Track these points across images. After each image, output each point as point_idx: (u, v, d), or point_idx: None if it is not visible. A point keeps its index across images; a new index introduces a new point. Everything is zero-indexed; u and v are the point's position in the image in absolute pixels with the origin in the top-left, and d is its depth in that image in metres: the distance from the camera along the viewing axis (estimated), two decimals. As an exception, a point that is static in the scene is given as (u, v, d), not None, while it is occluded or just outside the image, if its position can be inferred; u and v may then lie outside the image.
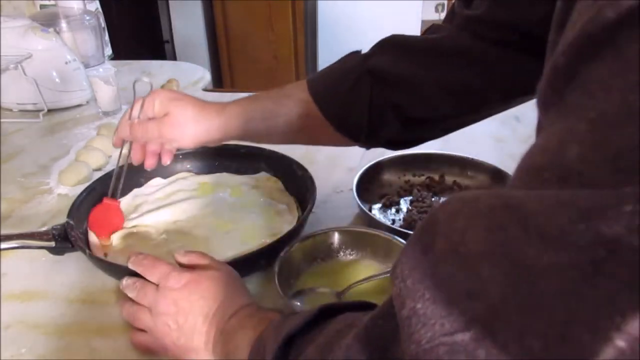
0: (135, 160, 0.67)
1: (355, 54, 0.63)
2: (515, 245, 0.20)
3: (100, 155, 0.90)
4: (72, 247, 0.63)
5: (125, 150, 0.67)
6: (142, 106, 0.63)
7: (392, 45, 0.60)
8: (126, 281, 0.54)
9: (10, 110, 1.13)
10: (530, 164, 0.22)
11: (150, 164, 0.67)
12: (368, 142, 0.64)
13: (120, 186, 0.68)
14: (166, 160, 0.68)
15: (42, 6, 1.35)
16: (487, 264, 0.21)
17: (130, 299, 0.54)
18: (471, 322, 0.21)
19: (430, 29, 0.61)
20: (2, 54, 1.05)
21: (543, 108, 0.24)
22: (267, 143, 0.73)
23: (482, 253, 0.21)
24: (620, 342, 0.17)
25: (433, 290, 0.22)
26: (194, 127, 0.62)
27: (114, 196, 0.68)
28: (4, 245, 0.61)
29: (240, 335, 0.45)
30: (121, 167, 0.68)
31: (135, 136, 0.64)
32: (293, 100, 0.63)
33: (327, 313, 0.37)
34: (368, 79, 0.60)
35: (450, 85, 0.57)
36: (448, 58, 0.57)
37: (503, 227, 0.21)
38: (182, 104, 0.62)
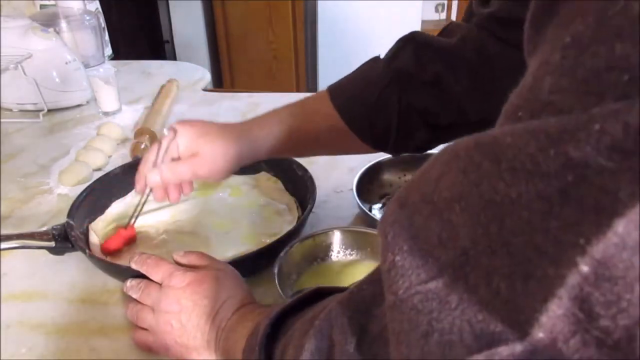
0: (160, 199, 0.63)
1: (376, 60, 0.62)
2: (487, 183, 0.20)
3: (100, 155, 0.90)
4: (72, 247, 0.63)
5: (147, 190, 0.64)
6: (167, 149, 0.60)
7: (415, 44, 0.59)
8: (130, 283, 0.55)
9: (10, 110, 1.13)
10: (508, 106, 0.22)
11: (175, 198, 0.63)
12: (395, 150, 0.63)
13: (137, 216, 0.66)
14: (188, 192, 0.64)
15: (42, 6, 1.35)
16: (459, 207, 0.21)
17: (134, 300, 0.54)
18: (443, 269, 0.21)
19: (448, 27, 0.61)
20: (2, 54, 1.05)
21: (528, 56, 0.24)
22: (292, 157, 0.73)
23: (454, 198, 0.21)
24: (584, 267, 0.17)
25: (410, 242, 0.23)
26: (225, 160, 0.59)
27: (130, 223, 0.66)
28: (4, 245, 0.61)
29: (240, 328, 0.45)
30: (142, 204, 0.65)
31: (166, 181, 0.60)
32: (319, 115, 0.62)
33: (321, 295, 0.38)
34: (395, 88, 0.59)
35: (477, 89, 0.56)
36: (470, 61, 0.56)
37: (477, 165, 0.21)
38: (210, 139, 0.59)
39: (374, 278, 0.29)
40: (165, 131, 0.61)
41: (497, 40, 0.54)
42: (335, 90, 0.63)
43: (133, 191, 0.77)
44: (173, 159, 0.60)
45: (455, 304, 0.20)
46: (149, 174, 0.59)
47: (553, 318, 0.18)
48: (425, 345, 0.21)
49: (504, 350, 0.19)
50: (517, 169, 0.19)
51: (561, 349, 0.18)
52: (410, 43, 0.60)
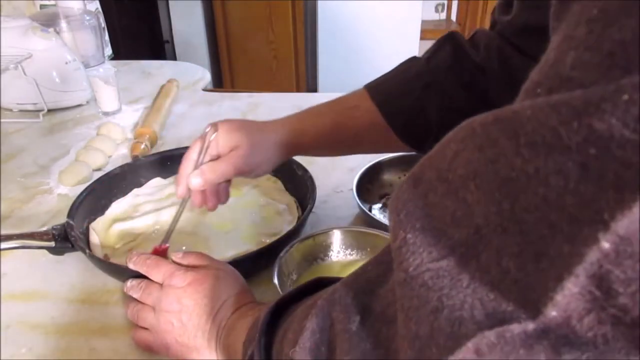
0: (198, 204, 0.61)
1: (414, 59, 0.62)
2: (503, 160, 0.20)
3: (100, 155, 0.90)
4: (72, 247, 0.63)
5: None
6: (207, 147, 0.57)
7: (453, 44, 0.60)
8: (130, 283, 0.55)
9: (10, 110, 1.13)
10: (528, 83, 0.22)
11: (212, 205, 0.62)
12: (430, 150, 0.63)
13: (171, 233, 0.61)
14: (224, 200, 0.63)
15: (42, 6, 1.35)
16: (474, 185, 0.21)
17: (135, 299, 0.54)
18: (456, 247, 0.21)
19: (475, 36, 0.61)
20: (2, 54, 1.05)
21: (553, 32, 0.23)
22: (329, 156, 0.70)
23: (469, 175, 0.21)
24: (606, 244, 0.17)
25: (423, 220, 0.22)
26: (265, 152, 0.58)
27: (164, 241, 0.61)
28: (4, 245, 0.61)
29: (240, 325, 0.45)
30: (179, 214, 0.61)
31: (209, 182, 0.57)
32: (360, 111, 0.62)
33: (321, 286, 0.37)
34: (436, 87, 0.59)
35: (505, 97, 0.56)
36: (495, 70, 0.57)
37: (493, 141, 0.20)
38: (248, 132, 0.58)
39: (379, 260, 0.29)
40: (207, 129, 0.58)
41: (515, 49, 0.55)
42: (374, 87, 0.63)
43: (134, 191, 0.77)
44: (212, 158, 0.58)
45: (467, 282, 0.20)
46: (192, 177, 0.57)
47: (568, 296, 0.18)
48: (435, 321, 0.21)
49: (515, 328, 0.19)
50: (537, 143, 0.19)
51: (575, 326, 0.18)
52: (448, 43, 0.60)
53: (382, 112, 0.61)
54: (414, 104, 0.60)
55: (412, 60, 0.62)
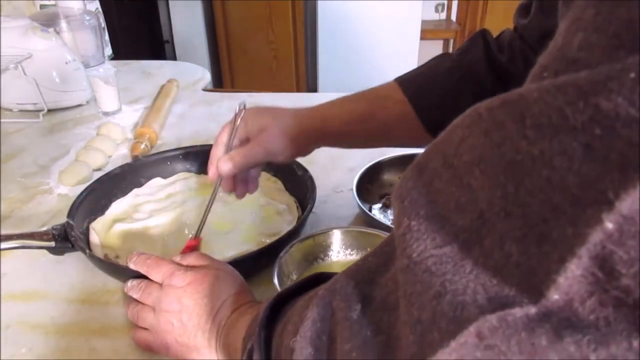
0: (229, 190, 0.62)
1: (446, 54, 0.62)
2: (509, 143, 0.20)
3: (100, 156, 0.90)
4: (72, 247, 0.63)
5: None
6: (236, 129, 0.57)
7: (485, 41, 0.60)
8: (131, 283, 0.55)
9: (10, 110, 1.13)
10: (535, 68, 0.22)
11: (241, 193, 0.63)
12: None
13: (204, 224, 0.60)
14: (253, 189, 0.64)
15: (42, 6, 1.35)
16: (479, 170, 0.21)
17: (135, 300, 0.54)
18: (459, 234, 0.21)
19: (501, 36, 0.62)
20: (2, 54, 1.05)
21: (561, 17, 0.23)
22: (357, 147, 0.70)
23: (474, 161, 0.21)
24: (609, 224, 0.17)
25: (427, 207, 0.23)
26: (294, 133, 0.58)
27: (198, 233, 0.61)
28: (4, 245, 0.61)
29: (239, 323, 0.45)
30: (210, 206, 0.61)
31: (239, 167, 0.57)
32: (390, 101, 0.62)
33: (321, 281, 0.37)
34: (469, 82, 0.59)
35: None
36: (519, 72, 0.57)
37: (500, 125, 0.20)
38: (275, 115, 0.59)
39: (379, 250, 0.30)
40: (237, 107, 0.59)
41: (535, 53, 0.55)
42: (405, 81, 0.63)
43: (134, 191, 0.77)
44: (241, 141, 0.58)
45: (470, 267, 0.20)
46: (221, 163, 0.57)
47: (570, 279, 0.17)
48: (437, 306, 0.21)
49: (517, 311, 0.19)
50: (543, 124, 0.19)
51: (577, 309, 0.18)
52: (480, 39, 0.60)
53: (413, 105, 0.60)
54: (447, 97, 0.60)
55: (443, 55, 0.63)
